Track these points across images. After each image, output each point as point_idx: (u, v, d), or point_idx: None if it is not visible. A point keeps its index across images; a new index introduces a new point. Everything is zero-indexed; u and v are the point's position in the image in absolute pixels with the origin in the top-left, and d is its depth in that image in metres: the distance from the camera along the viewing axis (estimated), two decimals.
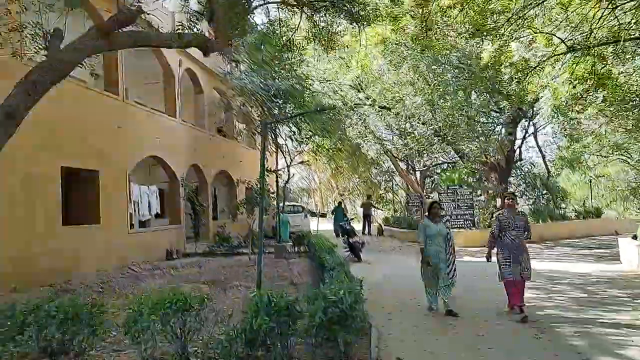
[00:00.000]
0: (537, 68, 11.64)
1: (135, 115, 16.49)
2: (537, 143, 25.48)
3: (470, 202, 22.10)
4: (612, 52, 11.47)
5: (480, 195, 24.35)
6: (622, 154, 35.36)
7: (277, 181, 18.84)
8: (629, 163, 36.49)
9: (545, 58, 11.57)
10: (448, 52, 18.31)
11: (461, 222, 21.99)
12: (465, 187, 22.53)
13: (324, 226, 26.33)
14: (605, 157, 35.64)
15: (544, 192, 30.53)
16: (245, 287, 11.24)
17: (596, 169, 36.63)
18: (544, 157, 26.62)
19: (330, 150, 24.76)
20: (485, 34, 11.46)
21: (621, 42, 10.08)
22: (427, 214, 9.15)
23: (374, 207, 29.25)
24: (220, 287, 11.52)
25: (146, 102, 18.62)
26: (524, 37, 11.77)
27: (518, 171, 27.76)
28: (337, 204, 24.49)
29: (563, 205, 29.76)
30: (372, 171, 37.16)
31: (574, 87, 13.82)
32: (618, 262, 14.89)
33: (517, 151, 24.44)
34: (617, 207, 37.21)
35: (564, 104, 14.68)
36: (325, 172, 41.82)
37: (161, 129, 17.98)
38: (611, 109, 14.35)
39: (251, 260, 16.06)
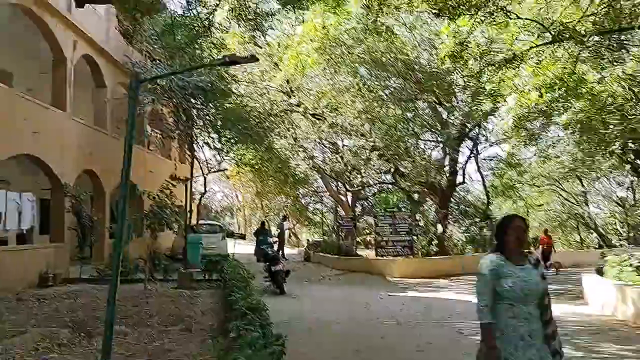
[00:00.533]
0: (513, 62, 9.43)
1: (3, 100, 12.92)
2: (478, 166, 23.77)
3: (409, 227, 19.82)
4: (606, 46, 9.44)
5: (419, 220, 22.18)
6: (554, 184, 34.89)
7: (186, 192, 15.65)
8: (560, 195, 36.10)
9: (523, 49, 9.36)
10: (394, 54, 16.06)
11: (399, 250, 19.63)
12: (404, 211, 20.28)
13: (244, 248, 23.26)
14: (537, 186, 35.03)
15: (477, 219, 29.04)
16: (122, 333, 8.02)
17: (529, 199, 35.95)
18: (484, 181, 24.95)
19: (256, 162, 21.85)
20: (449, 14, 9.14)
21: (630, 30, 8.08)
22: (495, 242, 3.68)
23: (283, 230, 25.64)
24: (87, 331, 8.23)
25: (43, 97, 15.13)
26: (494, 24, 9.52)
27: (456, 196, 25.95)
28: (259, 225, 21.50)
29: None
30: (300, 190, 34.49)
31: (541, 95, 11.77)
32: (581, 300, 12.90)
33: (461, 173, 22.55)
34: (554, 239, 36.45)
35: (527, 115, 12.63)
36: (249, 189, 38.66)
37: (42, 124, 14.41)
38: (579, 124, 12.44)
39: (148, 290, 12.79)
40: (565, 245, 36.93)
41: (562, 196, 35.87)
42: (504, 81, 10.14)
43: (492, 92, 11.24)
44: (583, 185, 34.14)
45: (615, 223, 35.75)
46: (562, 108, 11.59)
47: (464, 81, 11.71)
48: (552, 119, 13.22)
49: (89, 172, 17.28)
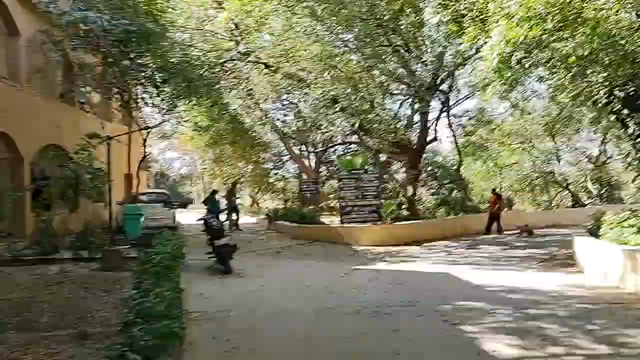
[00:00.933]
0: None
1: None
2: (449, 122, 21.84)
3: (377, 190, 17.86)
4: None
5: (388, 182, 20.26)
6: (525, 142, 33.45)
7: (108, 153, 13.08)
8: (531, 153, 34.73)
9: None
10: None
11: (366, 215, 17.70)
12: (372, 172, 18.27)
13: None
14: (509, 144, 33.56)
15: (447, 182, 27.39)
16: None
17: (499, 159, 34.48)
18: (455, 139, 23.05)
19: (206, 122, 19.38)
20: None
21: None
22: None
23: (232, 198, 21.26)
24: None
25: None
26: None
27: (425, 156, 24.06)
28: (210, 193, 19.18)
29: (472, 197, 26.86)
30: (262, 155, 32.12)
31: (531, 28, 9.85)
32: (573, 268, 11.25)
33: (432, 129, 20.51)
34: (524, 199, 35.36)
35: (510, 56, 10.69)
36: (208, 154, 36.06)
37: None
38: (577, 61, 10.50)
39: (63, 273, 10.53)
40: (534, 206, 35.69)
41: (533, 154, 34.55)
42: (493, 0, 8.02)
43: (478, 17, 9.12)
44: (555, 142, 32.83)
45: (586, 181, 34.79)
46: (561, 39, 9.63)
47: (441, 4, 9.33)
48: (539, 59, 11.22)
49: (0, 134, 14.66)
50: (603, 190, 33.93)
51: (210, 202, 16.10)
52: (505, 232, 19.30)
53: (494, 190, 21.70)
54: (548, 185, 35.38)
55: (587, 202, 32.48)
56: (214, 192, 18.42)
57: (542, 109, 28.32)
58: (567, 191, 33.39)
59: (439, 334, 6.17)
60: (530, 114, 30.03)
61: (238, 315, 7.38)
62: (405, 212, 18.62)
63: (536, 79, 20.43)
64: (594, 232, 11.77)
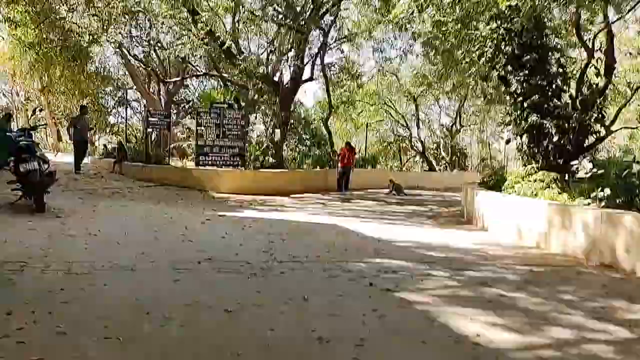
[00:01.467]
0: None
1: None
2: (323, 68, 19.64)
3: (241, 130, 15.23)
4: None
5: (255, 123, 17.67)
6: (386, 104, 32.84)
7: None
8: (391, 115, 34.33)
9: None
10: None
11: (227, 159, 15.04)
12: (236, 108, 15.55)
13: None
14: (371, 104, 32.68)
15: (308, 137, 25.59)
16: None
17: (360, 118, 33.59)
18: (328, 88, 20.99)
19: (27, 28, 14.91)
20: None
21: None
22: None
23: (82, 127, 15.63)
24: None
25: None
26: None
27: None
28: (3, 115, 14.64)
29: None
30: (101, 88, 27.25)
31: None
32: (471, 225, 9.86)
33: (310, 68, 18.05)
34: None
35: None
36: (33, 82, 29.89)
37: None
38: None
39: None
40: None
41: (394, 117, 34.11)
42: None
43: None
44: (416, 107, 32.52)
45: (439, 148, 35.49)
46: None
47: None
48: None
49: None
50: (454, 158, 34.80)
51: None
52: (368, 190, 17.81)
53: (348, 143, 19.47)
54: (401, 149, 35.47)
55: (439, 168, 33.09)
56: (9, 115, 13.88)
57: (412, 69, 27.64)
58: (422, 157, 33.55)
59: (375, 306, 3.96)
60: (396, 75, 29.35)
61: (38, 271, 4.51)
62: (271, 160, 16.27)
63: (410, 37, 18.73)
64: (493, 188, 10.51)
